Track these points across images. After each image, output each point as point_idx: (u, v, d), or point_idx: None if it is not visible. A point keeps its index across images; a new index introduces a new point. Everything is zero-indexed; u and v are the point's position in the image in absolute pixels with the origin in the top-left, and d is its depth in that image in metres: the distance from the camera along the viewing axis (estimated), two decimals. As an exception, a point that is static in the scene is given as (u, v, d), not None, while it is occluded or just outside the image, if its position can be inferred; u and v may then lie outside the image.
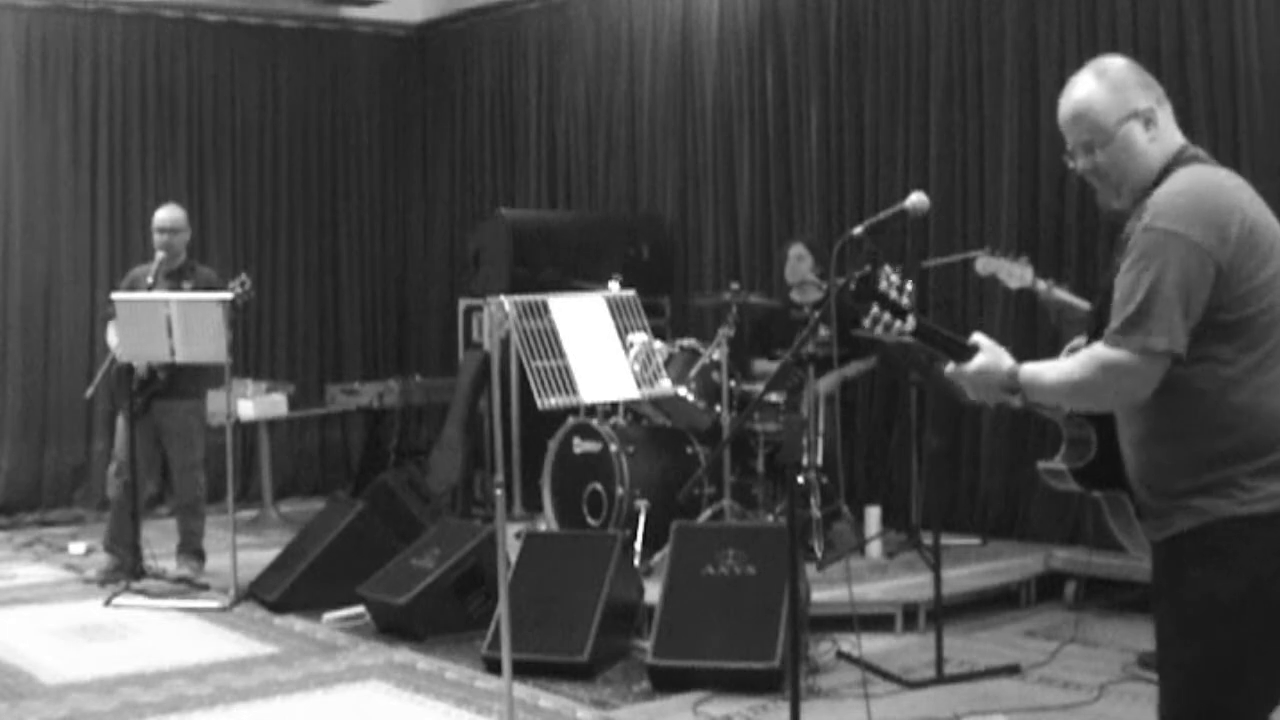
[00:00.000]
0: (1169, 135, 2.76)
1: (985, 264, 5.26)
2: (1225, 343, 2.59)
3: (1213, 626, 2.58)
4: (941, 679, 5.15)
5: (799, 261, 7.26)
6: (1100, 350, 2.65)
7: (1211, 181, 2.67)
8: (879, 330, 2.87)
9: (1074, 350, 2.86)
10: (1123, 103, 2.73)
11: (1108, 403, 2.73)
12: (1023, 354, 6.65)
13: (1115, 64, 2.80)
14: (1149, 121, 2.73)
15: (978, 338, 2.84)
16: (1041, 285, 5.00)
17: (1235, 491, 2.57)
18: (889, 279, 2.87)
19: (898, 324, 2.87)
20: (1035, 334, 6.94)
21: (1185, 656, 2.63)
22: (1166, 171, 2.71)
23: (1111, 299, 2.68)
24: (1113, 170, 2.76)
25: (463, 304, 9.29)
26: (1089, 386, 2.66)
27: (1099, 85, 2.76)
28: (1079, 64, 7.55)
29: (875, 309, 2.88)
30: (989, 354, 2.81)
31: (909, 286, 2.93)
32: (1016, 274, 5.19)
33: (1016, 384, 2.77)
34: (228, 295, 6.66)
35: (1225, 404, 2.59)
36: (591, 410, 6.66)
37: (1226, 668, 2.58)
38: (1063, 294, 4.87)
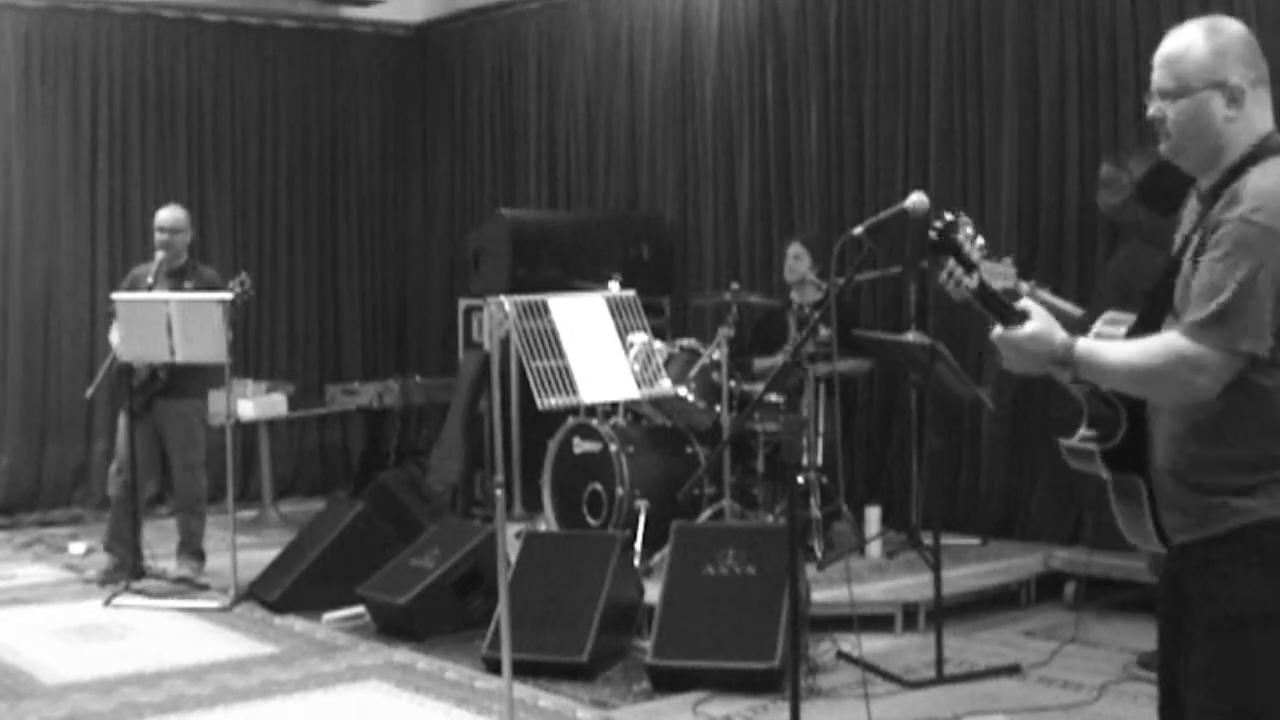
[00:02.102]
0: (1256, 118, 2.59)
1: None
2: None
3: (1251, 630, 2.49)
4: (941, 679, 5.15)
5: (796, 261, 7.25)
6: (1177, 340, 2.50)
7: None
8: (950, 285, 2.71)
9: (1110, 324, 2.75)
10: (1214, 68, 2.57)
11: (1171, 395, 2.56)
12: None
13: (1230, 28, 2.62)
14: (1233, 99, 2.57)
15: (1027, 303, 2.68)
16: (1025, 287, 4.95)
17: None
18: (966, 231, 2.73)
19: (965, 280, 2.70)
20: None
21: (1221, 662, 2.52)
22: (1254, 158, 2.56)
23: (1172, 282, 2.57)
24: (1176, 130, 2.61)
25: (463, 304, 9.29)
26: (1156, 376, 2.52)
27: (1201, 41, 2.59)
28: (1079, 64, 7.56)
29: (951, 262, 2.71)
30: (1042, 320, 2.63)
31: (980, 240, 2.76)
32: (999, 273, 5.15)
33: (1070, 357, 2.59)
34: (228, 295, 6.66)
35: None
36: (591, 410, 6.66)
37: (1267, 675, 2.49)
38: (1048, 297, 4.85)
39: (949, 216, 2.72)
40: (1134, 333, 2.67)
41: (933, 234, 2.73)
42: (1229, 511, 2.52)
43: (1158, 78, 2.63)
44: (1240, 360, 2.47)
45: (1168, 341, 2.52)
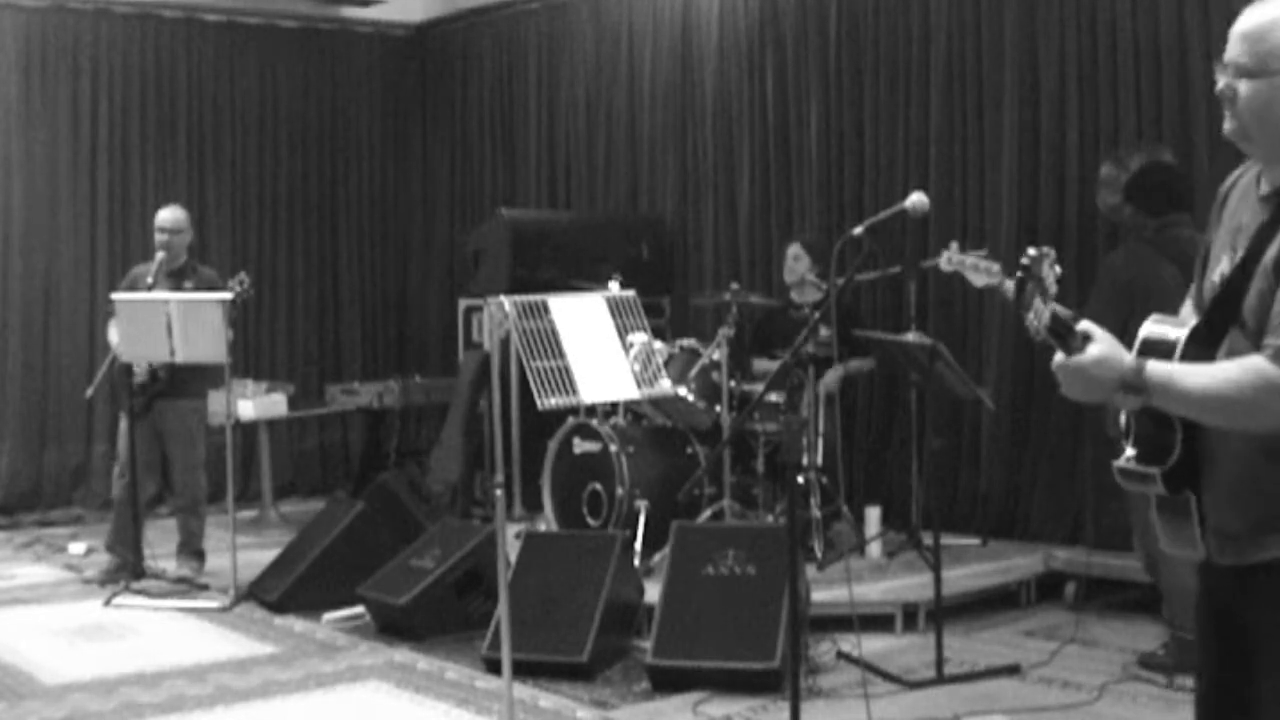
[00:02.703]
0: None
1: (950, 260, 5.18)
2: None
3: None
4: (941, 679, 5.15)
5: (795, 261, 7.27)
6: (1266, 367, 2.30)
7: None
8: (1035, 323, 2.41)
9: (1160, 324, 2.53)
10: (1273, 58, 2.36)
11: (1260, 424, 2.35)
12: (1021, 350, 6.69)
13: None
14: None
15: (1087, 325, 2.45)
16: (1010, 284, 4.94)
17: None
18: (1052, 265, 2.43)
19: (1045, 315, 2.42)
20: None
21: None
22: None
23: (1241, 290, 2.39)
24: (1246, 111, 2.39)
25: (463, 304, 9.29)
26: (1244, 406, 2.32)
27: None
28: (1079, 64, 7.56)
29: (1038, 301, 2.41)
30: (1106, 344, 2.41)
31: (1059, 269, 2.47)
32: (983, 268, 5.13)
33: (1143, 383, 2.38)
34: (228, 295, 6.66)
35: None
36: (591, 410, 6.66)
37: None
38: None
39: (1032, 252, 2.43)
40: (1195, 343, 2.47)
41: (1020, 273, 2.43)
42: None
43: (1234, 51, 2.40)
44: None
45: (1256, 369, 2.32)
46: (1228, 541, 2.44)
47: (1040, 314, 2.40)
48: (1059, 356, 2.44)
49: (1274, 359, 2.30)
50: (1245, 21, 2.40)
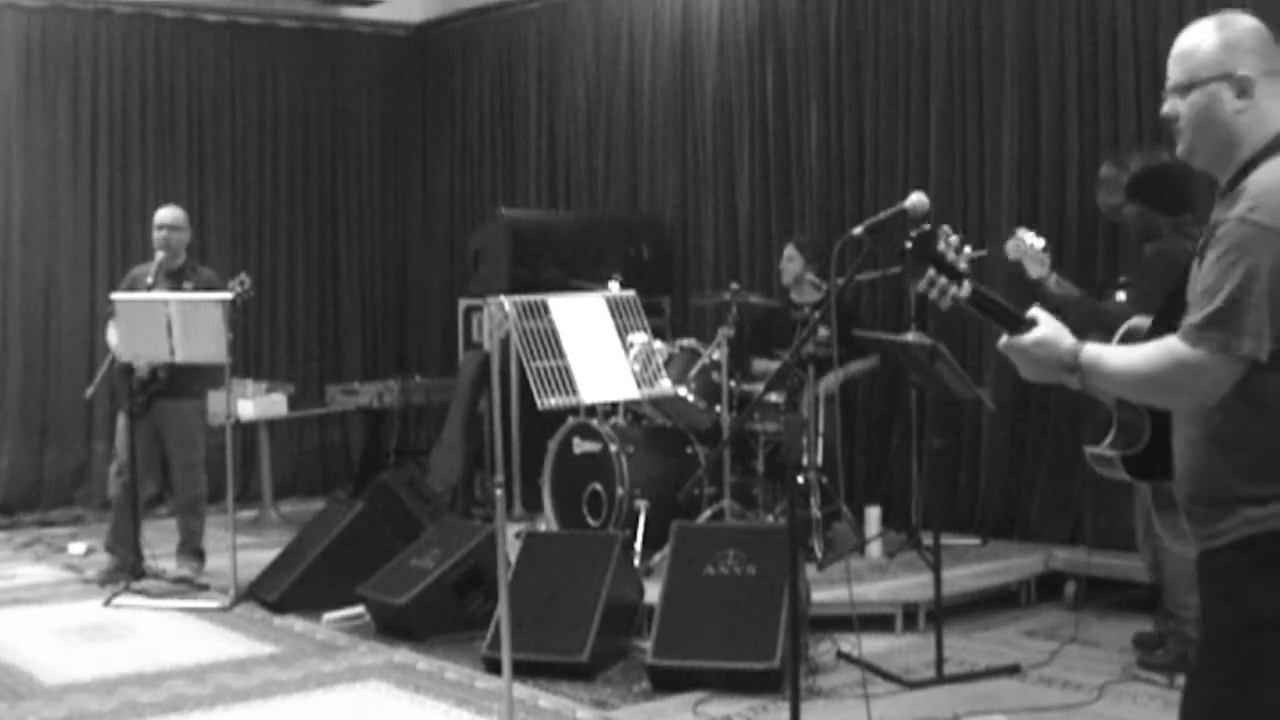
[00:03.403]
0: (1270, 111, 2.52)
1: (1018, 247, 5.13)
2: None
3: (1262, 638, 2.44)
4: (941, 679, 5.15)
5: (789, 263, 7.28)
6: (1176, 345, 2.44)
7: None
8: (934, 294, 2.64)
9: (1132, 332, 2.70)
10: (1223, 60, 2.52)
11: (1176, 401, 2.50)
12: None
13: (1240, 22, 2.57)
14: (1243, 90, 2.51)
15: (1036, 311, 2.63)
16: (1053, 278, 4.98)
17: None
18: (947, 240, 2.65)
19: (953, 289, 2.64)
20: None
21: (1231, 667, 2.48)
22: (1269, 152, 2.49)
23: (1186, 278, 2.52)
24: (1187, 125, 2.56)
25: (463, 304, 9.29)
26: (1159, 382, 2.46)
27: (1211, 34, 2.55)
28: (1079, 64, 7.54)
29: (931, 272, 2.64)
30: (1048, 327, 2.59)
31: (967, 250, 2.70)
32: (1042, 260, 5.12)
33: (1076, 364, 2.55)
34: (228, 295, 6.66)
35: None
36: (591, 410, 6.66)
37: (1275, 683, 2.44)
38: (1070, 289, 4.87)
39: (926, 227, 2.65)
40: (1152, 333, 2.62)
41: (908, 244, 2.65)
42: (1242, 520, 2.45)
43: (1171, 74, 2.60)
44: (1240, 364, 2.39)
45: (1168, 346, 2.45)
46: (1192, 529, 2.55)
47: (946, 288, 2.62)
48: (1004, 338, 2.62)
49: (1184, 337, 2.42)
50: (1177, 46, 2.60)
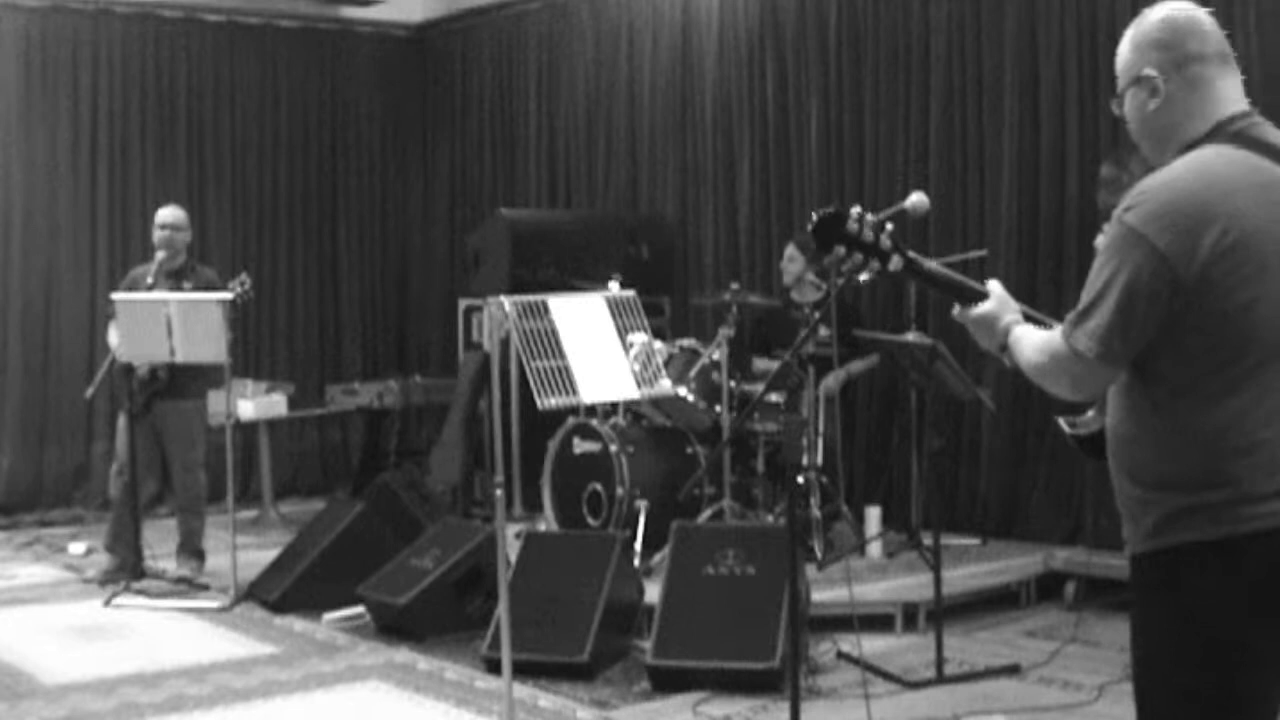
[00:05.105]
0: (1195, 108, 2.45)
1: None
2: (1185, 364, 2.31)
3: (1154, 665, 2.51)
4: (941, 679, 5.15)
5: (790, 262, 7.28)
6: (1055, 336, 2.44)
7: (1205, 176, 2.34)
8: (846, 269, 2.66)
9: None
10: (1133, 64, 2.50)
11: (1057, 390, 2.46)
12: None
13: (1150, 17, 2.53)
14: (1153, 91, 2.46)
15: (992, 284, 2.65)
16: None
17: (1188, 515, 2.34)
18: (862, 219, 2.62)
19: (873, 264, 2.64)
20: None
21: (1143, 683, 2.58)
22: (1188, 149, 2.42)
23: None
24: (1131, 124, 2.55)
25: (463, 304, 9.29)
26: (1043, 369, 2.46)
27: (1127, 39, 2.55)
28: (1079, 64, 7.57)
29: (840, 250, 2.63)
30: (994, 303, 2.60)
31: (889, 227, 2.66)
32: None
33: (1005, 342, 2.57)
34: (227, 295, 6.66)
35: (1175, 427, 2.33)
36: (591, 410, 6.66)
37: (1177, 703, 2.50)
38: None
39: (829, 209, 2.65)
40: None
41: (810, 226, 2.66)
42: (1134, 531, 2.47)
43: (1119, 83, 2.58)
44: (1097, 365, 2.34)
45: (1055, 338, 2.44)
46: (1124, 525, 2.55)
47: (860, 268, 2.66)
48: (957, 308, 2.67)
49: (1064, 330, 2.41)
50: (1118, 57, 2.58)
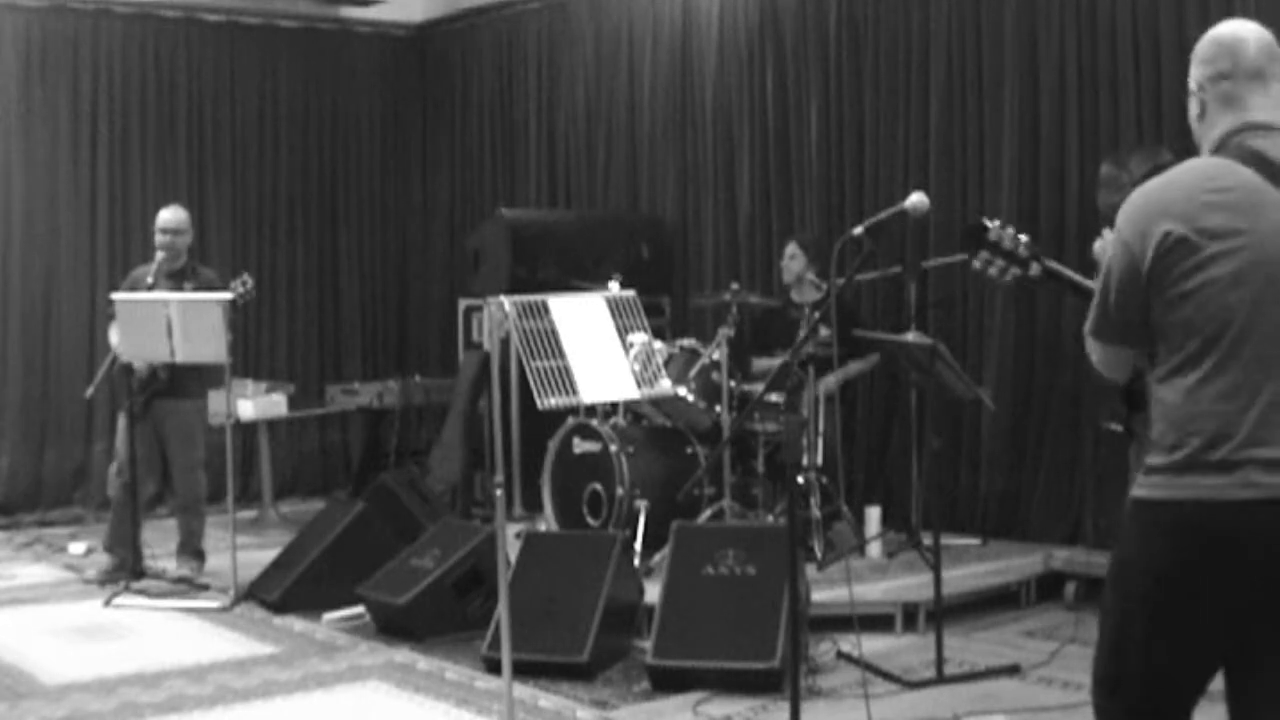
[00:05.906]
0: (1220, 121, 2.72)
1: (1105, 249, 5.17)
2: (1162, 346, 2.61)
3: (1110, 595, 2.68)
4: (941, 679, 5.15)
5: (791, 260, 7.28)
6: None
7: (1175, 181, 2.65)
8: (992, 271, 2.96)
9: None
10: (1192, 77, 2.77)
11: (1101, 369, 2.79)
12: (1021, 350, 6.69)
13: (1208, 35, 2.78)
14: (1198, 103, 2.76)
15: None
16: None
17: (1146, 476, 2.61)
18: (1000, 231, 2.95)
19: (1013, 270, 2.96)
20: (1033, 325, 6.98)
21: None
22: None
23: None
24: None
25: (463, 304, 9.29)
26: (1090, 352, 2.77)
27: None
28: (1079, 64, 7.56)
29: (985, 254, 2.96)
30: None
31: (1024, 238, 2.99)
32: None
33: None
34: (228, 295, 6.66)
35: (1156, 399, 2.63)
36: (591, 410, 6.66)
37: (1120, 634, 2.63)
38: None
39: (982, 219, 2.99)
40: None
41: (963, 235, 3.01)
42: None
43: None
44: (1093, 343, 2.70)
45: None
46: None
47: (1005, 271, 2.97)
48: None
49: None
50: None
